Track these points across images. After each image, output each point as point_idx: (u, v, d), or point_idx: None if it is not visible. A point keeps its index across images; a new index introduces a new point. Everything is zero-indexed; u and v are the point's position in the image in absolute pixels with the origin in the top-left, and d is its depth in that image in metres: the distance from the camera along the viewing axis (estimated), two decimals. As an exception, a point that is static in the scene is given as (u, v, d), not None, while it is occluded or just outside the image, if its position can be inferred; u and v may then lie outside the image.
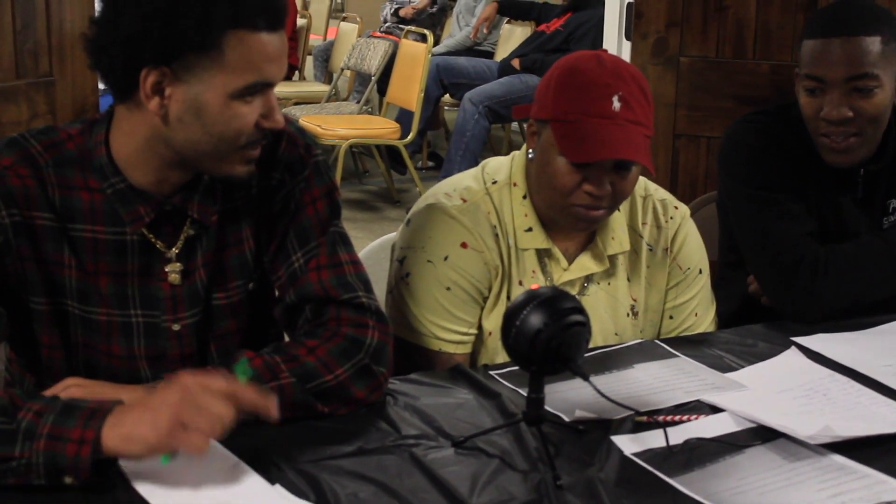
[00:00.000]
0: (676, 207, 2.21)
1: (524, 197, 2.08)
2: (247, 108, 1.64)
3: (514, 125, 7.75)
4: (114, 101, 1.71)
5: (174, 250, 1.76)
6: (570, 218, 2.02)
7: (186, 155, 1.67)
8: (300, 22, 8.61)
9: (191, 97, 1.62)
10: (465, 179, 2.13)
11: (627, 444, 1.65)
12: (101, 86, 3.12)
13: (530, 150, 2.05)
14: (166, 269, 1.76)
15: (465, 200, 2.07)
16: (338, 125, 6.47)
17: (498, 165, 2.15)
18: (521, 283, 2.07)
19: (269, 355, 1.69)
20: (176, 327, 1.79)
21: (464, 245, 2.03)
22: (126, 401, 1.50)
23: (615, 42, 3.76)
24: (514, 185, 2.09)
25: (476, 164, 2.20)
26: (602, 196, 1.96)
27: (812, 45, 2.24)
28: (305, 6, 9.95)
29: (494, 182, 2.10)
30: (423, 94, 6.51)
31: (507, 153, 2.24)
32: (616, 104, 1.92)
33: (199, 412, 1.44)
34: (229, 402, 1.47)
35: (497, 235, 2.07)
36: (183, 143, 1.66)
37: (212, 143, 1.65)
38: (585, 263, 2.11)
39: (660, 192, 2.21)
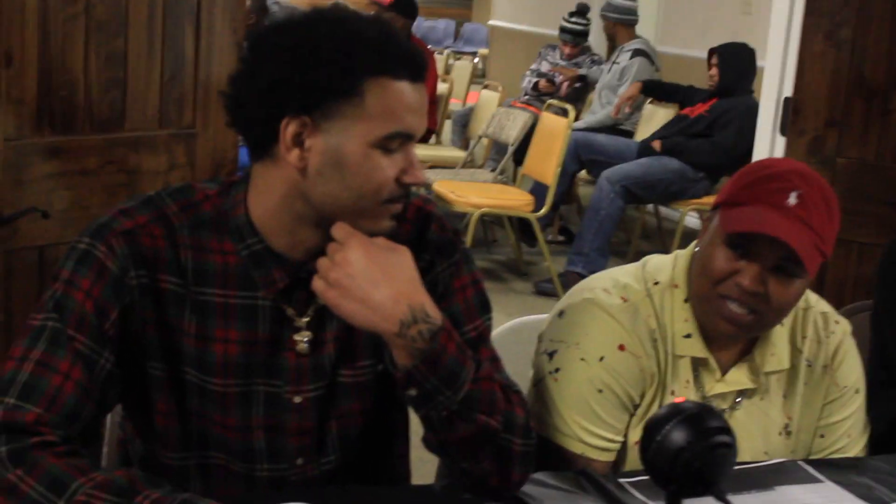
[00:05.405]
0: (837, 322, 2.07)
1: (685, 300, 1.96)
2: (387, 160, 1.59)
3: (650, 207, 7.60)
4: (251, 161, 1.67)
5: (305, 319, 1.70)
6: (715, 314, 1.89)
7: (325, 210, 1.61)
8: (442, 87, 8.65)
9: (331, 147, 1.57)
10: (623, 276, 2.01)
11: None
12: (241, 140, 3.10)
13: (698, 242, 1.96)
14: (295, 338, 1.70)
15: (624, 300, 1.95)
16: (471, 193, 6.44)
17: (659, 264, 2.03)
18: (672, 393, 1.95)
19: (499, 380, 1.68)
20: (297, 399, 1.72)
21: (621, 347, 1.92)
22: None
23: (769, 135, 3.64)
24: (676, 286, 1.97)
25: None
26: (752, 293, 1.83)
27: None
28: (447, 71, 10.01)
29: (657, 283, 1.98)
30: (560, 169, 6.44)
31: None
32: (792, 199, 1.81)
33: None
34: None
35: (656, 340, 1.95)
36: (322, 198, 1.60)
37: (352, 198, 1.59)
38: (739, 377, 1.98)
39: (821, 304, 2.08)
